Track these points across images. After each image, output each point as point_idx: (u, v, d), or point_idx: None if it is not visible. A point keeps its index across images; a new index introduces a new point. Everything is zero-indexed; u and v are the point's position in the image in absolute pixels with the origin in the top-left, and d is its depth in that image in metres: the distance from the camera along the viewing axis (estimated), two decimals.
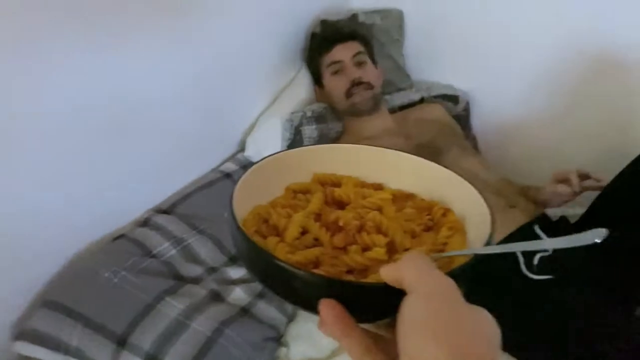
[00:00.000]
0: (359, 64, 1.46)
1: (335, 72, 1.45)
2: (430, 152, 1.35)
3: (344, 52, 1.46)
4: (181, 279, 1.08)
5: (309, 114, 1.42)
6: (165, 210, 1.21)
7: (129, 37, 1.04)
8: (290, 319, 1.11)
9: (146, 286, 1.02)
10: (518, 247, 0.42)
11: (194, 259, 1.13)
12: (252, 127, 1.44)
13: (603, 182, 1.17)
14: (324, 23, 1.58)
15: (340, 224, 0.49)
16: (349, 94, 1.42)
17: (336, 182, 0.57)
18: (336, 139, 1.49)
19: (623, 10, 1.38)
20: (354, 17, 1.67)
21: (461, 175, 0.52)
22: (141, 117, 1.12)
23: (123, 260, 1.05)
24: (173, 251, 1.12)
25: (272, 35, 1.47)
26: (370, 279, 0.43)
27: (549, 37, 1.51)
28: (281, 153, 0.56)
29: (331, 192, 0.55)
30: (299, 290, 0.40)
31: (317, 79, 1.52)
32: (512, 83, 1.62)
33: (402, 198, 0.55)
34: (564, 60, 1.51)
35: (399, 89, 1.69)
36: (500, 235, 1.20)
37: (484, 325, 0.34)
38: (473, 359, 0.32)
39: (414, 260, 0.37)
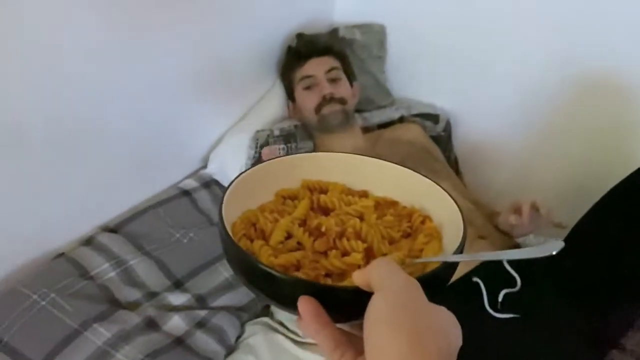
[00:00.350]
0: (333, 80, 1.40)
1: (307, 87, 1.40)
2: None
3: (317, 67, 1.40)
4: (116, 304, 1.02)
5: (276, 132, 1.36)
6: (113, 228, 1.16)
7: (79, 44, 0.99)
8: (229, 351, 1.04)
9: (75, 311, 0.96)
10: (483, 257, 0.48)
11: (133, 282, 1.07)
12: (218, 142, 1.38)
13: (556, 220, 1.09)
14: (299, 37, 1.52)
15: (322, 229, 0.52)
16: (319, 108, 1.36)
17: (324, 189, 0.60)
18: None
19: (614, 33, 1.30)
20: (334, 31, 1.62)
21: (432, 180, 0.57)
22: (90, 130, 1.06)
23: (55, 282, 0.99)
24: (112, 273, 1.06)
25: (246, 48, 1.42)
26: (346, 282, 0.46)
27: (536, 58, 1.43)
28: (273, 160, 0.59)
29: (317, 198, 0.58)
30: (279, 291, 0.44)
31: (289, 94, 1.47)
32: (497, 103, 1.54)
33: (384, 205, 0.59)
34: (551, 82, 1.43)
35: (379, 107, 1.62)
36: (466, 267, 1.12)
37: (444, 322, 0.37)
38: (432, 351, 0.34)
39: (381, 264, 0.40)
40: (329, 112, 1.35)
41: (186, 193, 1.28)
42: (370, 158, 0.62)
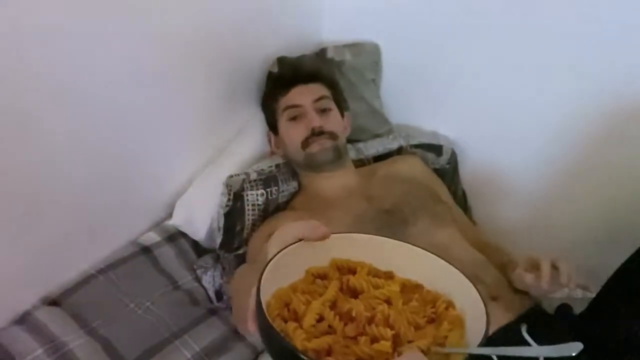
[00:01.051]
0: (322, 111, 1.21)
1: (293, 118, 1.21)
2: (393, 220, 1.09)
3: (304, 96, 1.21)
4: None
5: (253, 176, 1.17)
6: (55, 300, 0.98)
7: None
8: None
9: None
10: (508, 352, 0.51)
11: None
12: (185, 187, 1.20)
13: (581, 281, 0.89)
14: (281, 60, 1.34)
15: (353, 314, 0.56)
16: (306, 144, 1.17)
17: (351, 268, 0.64)
18: (288, 202, 1.23)
19: None
20: (321, 52, 1.43)
21: (456, 267, 0.62)
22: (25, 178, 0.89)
23: None
24: None
25: (219, 73, 1.24)
26: None
27: (559, 82, 1.22)
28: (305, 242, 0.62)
29: (346, 280, 0.61)
30: None
31: (272, 126, 1.27)
32: (511, 131, 1.33)
33: (409, 289, 0.63)
34: (578, 110, 1.22)
35: (375, 135, 1.43)
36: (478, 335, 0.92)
37: None
38: None
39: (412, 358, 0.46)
40: (318, 150, 1.17)
41: (146, 250, 1.10)
42: (396, 241, 0.66)
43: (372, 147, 1.37)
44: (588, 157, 1.25)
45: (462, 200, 1.42)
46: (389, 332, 0.53)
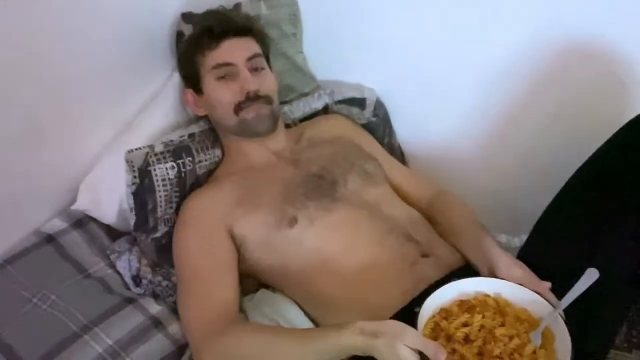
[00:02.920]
0: (256, 70, 1.10)
1: (223, 77, 1.09)
2: (322, 184, 1.03)
3: (236, 53, 1.08)
4: None
5: (159, 148, 1.07)
6: None
7: None
8: None
9: None
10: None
11: None
12: (90, 167, 1.09)
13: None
14: (187, 17, 1.22)
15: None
16: (239, 108, 1.07)
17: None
18: (211, 173, 1.14)
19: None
20: (236, 7, 1.31)
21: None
22: None
23: None
24: None
25: (117, 38, 1.12)
26: None
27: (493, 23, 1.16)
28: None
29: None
30: None
31: (193, 83, 1.13)
32: (444, 80, 1.26)
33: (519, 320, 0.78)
34: (513, 55, 1.17)
35: (303, 95, 1.34)
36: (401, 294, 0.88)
37: None
38: None
39: None
40: (254, 117, 1.07)
41: (50, 239, 1.00)
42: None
43: (298, 110, 1.29)
44: (523, 100, 1.21)
45: (399, 154, 1.36)
46: None
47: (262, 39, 1.16)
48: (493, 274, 0.84)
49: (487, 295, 0.80)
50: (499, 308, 0.78)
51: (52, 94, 0.99)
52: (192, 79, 1.13)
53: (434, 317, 0.76)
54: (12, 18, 0.89)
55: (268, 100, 1.08)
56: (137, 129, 1.14)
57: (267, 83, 1.10)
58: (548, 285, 0.81)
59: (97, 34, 1.05)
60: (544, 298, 0.79)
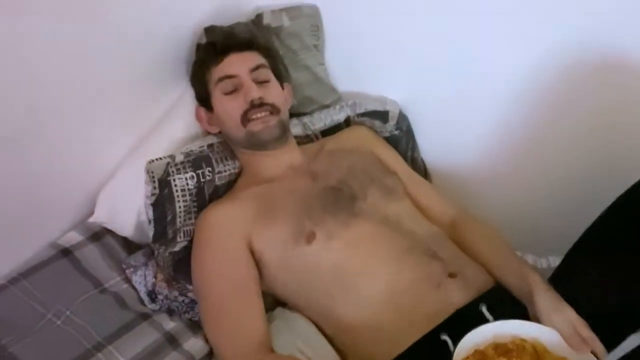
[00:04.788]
0: (260, 83, 1.09)
1: (229, 92, 1.08)
2: (340, 197, 1.01)
3: (239, 65, 1.09)
4: None
5: (179, 158, 1.06)
6: None
7: None
8: None
9: None
10: None
11: None
12: (108, 178, 1.08)
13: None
14: (209, 30, 1.21)
15: None
16: (245, 119, 1.05)
17: None
18: (230, 184, 1.13)
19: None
20: (257, 18, 1.30)
21: None
22: None
23: None
24: None
25: (144, 48, 1.11)
26: None
27: (514, 42, 1.13)
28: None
29: None
30: None
31: (204, 100, 1.14)
32: (468, 93, 1.23)
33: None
34: (538, 70, 1.13)
35: (324, 106, 1.31)
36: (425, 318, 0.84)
37: None
38: None
39: None
40: (262, 128, 1.05)
41: (66, 252, 0.99)
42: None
43: (319, 121, 1.26)
44: (549, 116, 1.17)
45: (422, 168, 1.33)
46: None
47: (267, 52, 1.15)
48: (533, 311, 0.80)
49: (524, 340, 0.76)
50: (537, 354, 0.74)
51: (69, 106, 0.98)
52: (202, 97, 1.13)
53: (467, 357, 0.73)
54: (34, 33, 0.88)
55: (274, 108, 1.07)
56: (154, 140, 1.13)
57: (273, 93, 1.09)
58: (588, 349, 0.74)
59: (117, 46, 1.04)
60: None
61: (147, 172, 1.02)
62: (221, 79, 1.08)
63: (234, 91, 1.08)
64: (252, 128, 1.05)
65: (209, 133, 1.18)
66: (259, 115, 1.05)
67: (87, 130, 1.03)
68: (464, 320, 0.81)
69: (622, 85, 1.08)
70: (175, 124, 1.16)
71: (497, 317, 0.79)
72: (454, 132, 1.28)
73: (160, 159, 1.04)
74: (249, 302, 0.92)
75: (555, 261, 1.07)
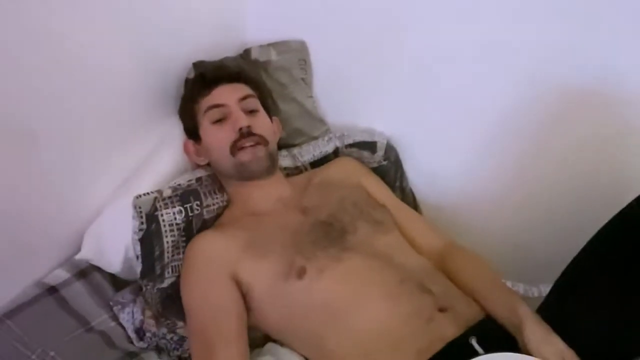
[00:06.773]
0: (249, 112, 1.09)
1: (217, 121, 1.09)
2: (331, 231, 1.00)
3: (228, 95, 1.10)
4: None
5: (167, 193, 1.05)
6: None
7: None
8: None
9: None
10: None
11: None
12: (96, 215, 1.07)
13: None
14: (198, 66, 1.22)
15: None
16: (235, 148, 1.05)
17: None
18: (217, 217, 1.12)
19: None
20: (246, 53, 1.32)
21: None
22: None
23: None
24: None
25: (127, 83, 1.11)
26: None
27: (498, 70, 1.15)
28: None
29: None
30: None
31: (192, 132, 1.14)
32: (455, 125, 1.24)
33: None
34: (522, 98, 1.15)
35: (313, 138, 1.32)
36: (416, 353, 0.83)
37: None
38: None
39: None
40: (251, 159, 1.05)
41: (52, 291, 0.98)
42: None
43: (308, 153, 1.27)
44: (537, 141, 1.18)
45: (411, 198, 1.33)
46: None
47: (255, 85, 1.17)
48: (522, 342, 0.79)
49: None
50: None
51: (56, 142, 0.97)
52: (190, 128, 1.14)
53: None
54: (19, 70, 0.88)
55: (262, 140, 1.07)
56: (142, 175, 1.13)
57: (261, 124, 1.10)
58: None
59: (104, 82, 1.04)
60: None
61: (135, 207, 1.01)
62: (210, 108, 1.09)
63: (222, 120, 1.08)
64: (241, 158, 1.05)
65: (197, 166, 1.18)
66: (247, 144, 1.05)
67: (73, 166, 1.03)
68: (455, 353, 0.80)
69: (608, 114, 1.09)
70: (163, 159, 1.16)
71: (487, 350, 0.78)
72: (442, 162, 1.28)
73: (148, 193, 1.03)
74: (230, 337, 0.90)
75: (546, 290, 1.06)
